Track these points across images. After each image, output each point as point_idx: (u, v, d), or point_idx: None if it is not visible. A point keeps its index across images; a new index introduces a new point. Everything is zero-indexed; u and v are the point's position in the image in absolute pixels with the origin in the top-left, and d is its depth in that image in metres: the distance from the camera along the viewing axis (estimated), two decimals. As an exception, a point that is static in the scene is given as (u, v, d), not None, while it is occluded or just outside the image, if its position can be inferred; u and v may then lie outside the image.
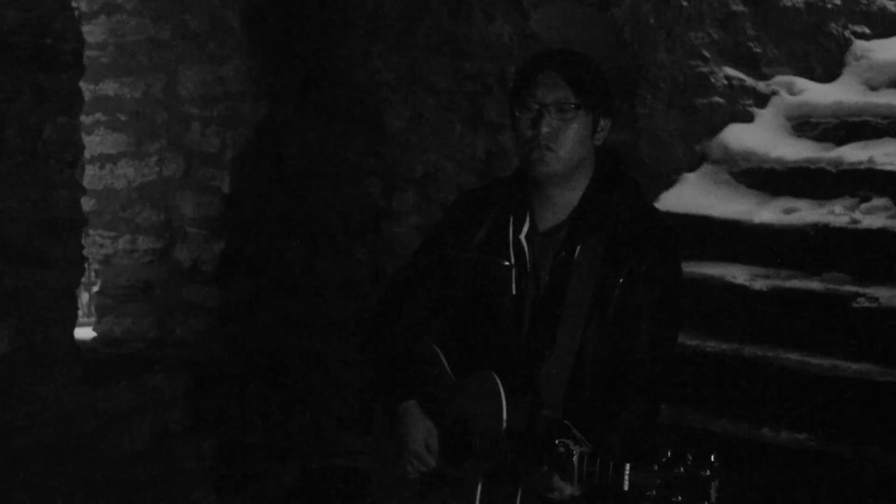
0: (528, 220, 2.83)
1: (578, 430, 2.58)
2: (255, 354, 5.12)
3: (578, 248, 2.75)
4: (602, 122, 2.81)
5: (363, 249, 5.30)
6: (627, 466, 2.42)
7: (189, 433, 4.81)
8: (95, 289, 5.54)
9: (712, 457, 2.36)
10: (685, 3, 5.94)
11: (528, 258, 2.80)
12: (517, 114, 2.79)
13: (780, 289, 5.01)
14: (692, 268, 5.31)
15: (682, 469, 2.36)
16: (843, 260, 5.03)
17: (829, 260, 5.07)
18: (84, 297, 6.11)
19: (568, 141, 2.74)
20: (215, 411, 4.94)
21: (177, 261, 5.19)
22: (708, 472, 2.35)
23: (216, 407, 4.95)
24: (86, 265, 4.55)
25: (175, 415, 4.74)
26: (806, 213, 5.38)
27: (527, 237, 2.82)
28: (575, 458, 2.49)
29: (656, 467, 2.38)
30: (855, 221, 5.12)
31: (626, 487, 2.42)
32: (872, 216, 5.13)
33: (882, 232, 5.00)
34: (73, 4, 4.41)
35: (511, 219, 2.84)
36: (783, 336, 4.87)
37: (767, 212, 5.51)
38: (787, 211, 5.45)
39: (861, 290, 4.79)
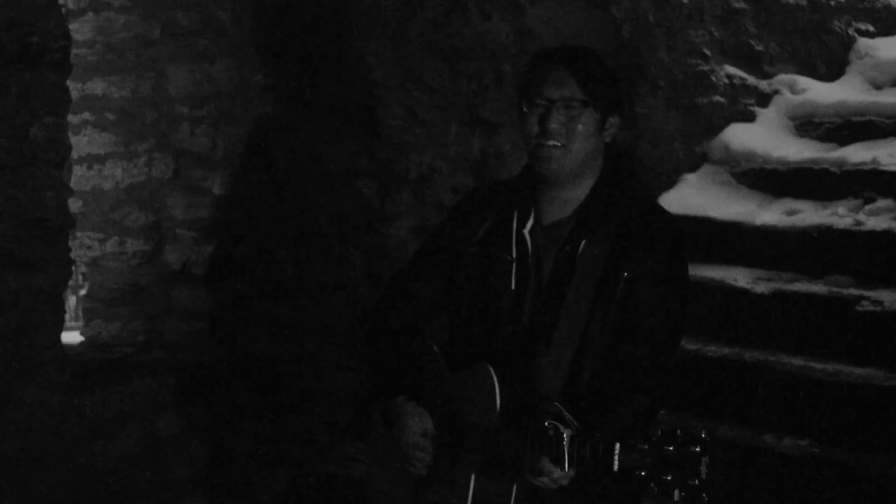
0: (532, 215, 2.84)
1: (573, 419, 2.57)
2: (246, 358, 5.14)
3: (583, 242, 2.76)
4: (611, 120, 2.82)
5: (356, 251, 5.27)
6: (617, 446, 2.40)
7: (179, 439, 4.82)
8: (83, 292, 5.57)
9: (703, 433, 2.33)
10: (685, 1, 5.92)
11: (530, 252, 2.81)
12: (525, 110, 2.79)
13: (783, 292, 4.98)
14: (693, 270, 5.24)
15: (671, 447, 2.32)
16: (847, 262, 5.01)
17: (832, 262, 5.04)
18: (71, 301, 6.16)
19: (576, 137, 2.75)
20: (205, 416, 4.95)
21: (166, 263, 5.21)
22: (698, 449, 2.30)
23: (206, 412, 4.96)
24: (73, 268, 4.57)
25: (164, 420, 4.76)
26: (809, 214, 5.36)
27: (530, 232, 2.83)
28: (565, 441, 2.46)
29: (646, 446, 2.34)
30: (859, 223, 5.11)
31: (615, 467, 2.39)
32: (877, 218, 5.11)
33: (886, 234, 4.98)
34: (61, 2, 4.40)
35: (515, 213, 2.85)
36: (785, 340, 4.85)
37: (769, 213, 5.50)
38: (790, 212, 5.44)
39: (865, 293, 4.76)
